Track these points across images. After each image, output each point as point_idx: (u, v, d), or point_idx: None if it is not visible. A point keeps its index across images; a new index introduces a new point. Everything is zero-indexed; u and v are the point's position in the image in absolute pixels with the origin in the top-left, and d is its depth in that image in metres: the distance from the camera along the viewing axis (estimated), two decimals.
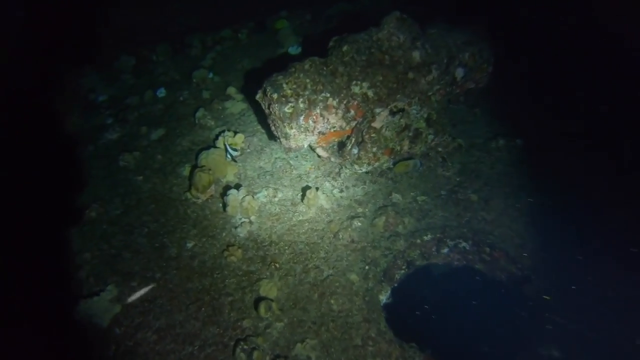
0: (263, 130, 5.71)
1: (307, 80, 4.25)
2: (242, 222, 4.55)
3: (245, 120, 6.00)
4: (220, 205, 4.82)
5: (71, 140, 6.05)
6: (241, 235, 4.48)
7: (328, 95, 4.25)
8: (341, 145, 4.76)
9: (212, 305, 3.91)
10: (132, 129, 6.09)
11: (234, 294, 3.99)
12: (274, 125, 4.43)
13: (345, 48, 4.39)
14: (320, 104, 4.24)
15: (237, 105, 6.24)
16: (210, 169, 4.83)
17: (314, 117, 4.24)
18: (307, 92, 4.21)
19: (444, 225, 4.40)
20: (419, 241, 4.27)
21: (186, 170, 5.27)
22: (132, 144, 5.84)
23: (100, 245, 4.62)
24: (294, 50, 7.32)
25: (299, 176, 5.08)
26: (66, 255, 4.67)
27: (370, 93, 4.33)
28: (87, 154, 5.82)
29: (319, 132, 4.38)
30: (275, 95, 4.20)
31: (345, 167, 4.83)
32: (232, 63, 7.19)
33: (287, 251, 4.31)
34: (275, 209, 4.71)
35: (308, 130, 4.29)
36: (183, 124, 6.09)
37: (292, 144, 4.40)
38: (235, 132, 5.52)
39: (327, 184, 4.95)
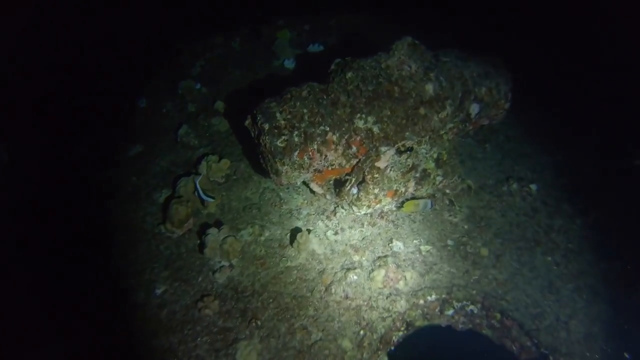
0: (252, 154, 5.13)
1: (304, 110, 3.70)
2: (221, 266, 3.98)
3: (233, 141, 5.43)
4: (198, 242, 4.24)
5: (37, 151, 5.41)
6: (219, 281, 3.91)
7: (327, 128, 3.71)
8: (339, 183, 4.22)
9: None
10: (107, 143, 5.47)
11: (205, 357, 3.41)
12: (263, 158, 3.88)
13: (349, 75, 3.85)
14: (318, 138, 3.69)
15: (224, 122, 5.67)
16: (188, 200, 4.25)
17: (310, 153, 3.69)
18: (303, 125, 3.67)
19: (450, 283, 3.88)
20: (421, 302, 3.74)
21: (162, 197, 4.68)
22: (105, 160, 5.22)
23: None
24: (289, 63, 6.76)
25: (289, 212, 4.53)
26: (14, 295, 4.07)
27: (375, 129, 3.80)
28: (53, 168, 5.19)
29: (315, 170, 3.84)
30: (266, 126, 3.65)
31: (342, 207, 4.28)
32: (222, 74, 6.60)
33: (271, 305, 3.75)
34: (260, 251, 4.15)
35: (302, 167, 3.74)
36: (164, 140, 5.50)
37: (284, 181, 3.84)
38: (221, 157, 4.94)
39: (320, 223, 4.40)
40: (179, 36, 6.95)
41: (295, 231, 4.25)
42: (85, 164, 5.20)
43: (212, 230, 3.97)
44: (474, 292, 3.81)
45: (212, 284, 3.92)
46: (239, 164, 5.02)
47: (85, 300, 3.82)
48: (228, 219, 4.48)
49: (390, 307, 3.72)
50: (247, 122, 4.02)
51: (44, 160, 5.30)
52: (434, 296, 3.79)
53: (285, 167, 3.69)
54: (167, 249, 4.22)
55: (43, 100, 5.89)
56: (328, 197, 4.34)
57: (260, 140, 3.76)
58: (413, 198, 4.37)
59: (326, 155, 3.77)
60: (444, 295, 3.80)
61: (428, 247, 4.16)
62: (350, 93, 3.84)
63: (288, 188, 4.79)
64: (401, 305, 3.73)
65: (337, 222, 4.41)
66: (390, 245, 4.18)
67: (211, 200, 4.33)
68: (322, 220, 4.44)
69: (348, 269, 3.96)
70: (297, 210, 4.55)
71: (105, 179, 4.90)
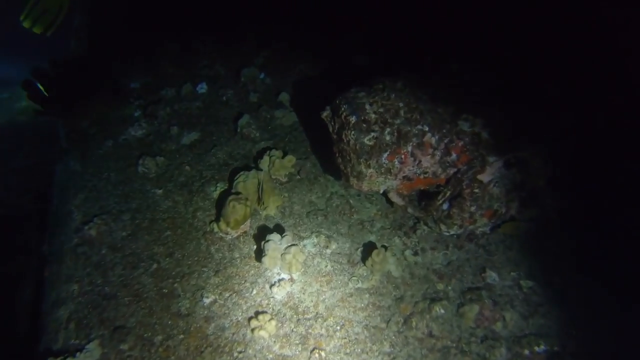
0: (319, 153, 4.53)
1: (400, 104, 3.05)
2: (280, 280, 3.36)
3: (297, 137, 4.85)
4: (254, 247, 3.65)
5: (87, 132, 5.00)
6: (277, 297, 3.30)
7: (426, 128, 3.04)
8: (425, 195, 3.54)
9: None
10: (161, 128, 5.02)
11: None
12: (343, 157, 3.25)
13: (455, 67, 3.15)
14: (414, 139, 3.03)
15: (289, 116, 5.09)
16: (247, 199, 3.66)
17: (403, 156, 3.04)
18: (398, 121, 3.02)
19: (562, 331, 3.09)
20: (527, 352, 2.98)
21: (217, 192, 4.13)
22: (157, 146, 4.75)
23: (94, 277, 3.54)
24: (363, 60, 6.13)
25: (361, 223, 3.88)
26: (48, 281, 3.60)
27: (484, 134, 3.09)
28: (103, 151, 4.75)
29: (404, 177, 3.17)
30: (352, 119, 3.02)
31: (426, 224, 3.59)
32: (289, 64, 6.05)
33: (338, 334, 3.10)
34: (326, 266, 3.51)
35: (391, 172, 3.09)
36: (222, 130, 4.98)
37: (365, 187, 3.21)
38: (285, 153, 4.35)
39: (397, 240, 3.73)
40: (244, 21, 6.46)
41: (369, 247, 3.59)
42: (132, 145, 4.73)
43: (274, 236, 3.36)
44: (598, 347, 3.02)
45: (268, 299, 3.31)
46: (304, 162, 4.42)
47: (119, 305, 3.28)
48: (289, 224, 3.88)
49: (487, 355, 2.99)
50: (325, 114, 3.41)
51: None
52: (542, 347, 3.02)
53: (371, 170, 3.05)
54: (218, 252, 3.65)
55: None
56: (410, 210, 3.66)
57: (343, 136, 3.14)
58: (512, 219, 3.63)
59: (420, 161, 3.10)
60: (555, 348, 3.03)
61: (530, 283, 3.40)
62: (457, 88, 3.15)
63: (359, 195, 4.15)
64: (501, 353, 2.98)
65: (417, 240, 3.72)
66: (482, 275, 3.44)
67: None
68: (399, 236, 3.77)
69: (432, 300, 3.25)
70: (369, 221, 3.90)
71: (155, 164, 4.39)
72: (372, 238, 3.77)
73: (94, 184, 4.37)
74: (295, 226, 3.86)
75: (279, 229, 3.74)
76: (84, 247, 3.71)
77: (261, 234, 3.73)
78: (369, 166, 3.06)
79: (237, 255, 3.63)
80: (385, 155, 3.04)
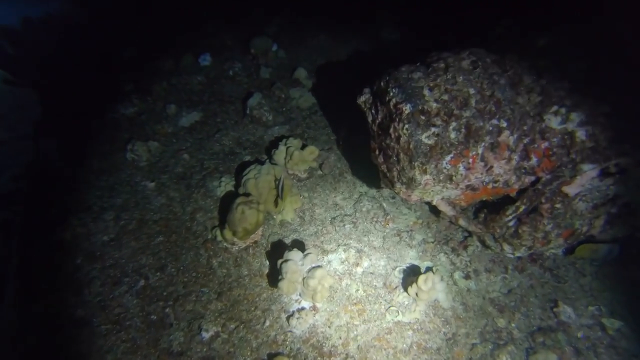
0: (345, 144, 3.77)
1: (471, 91, 2.25)
2: (300, 309, 2.63)
3: (317, 122, 4.06)
4: (266, 262, 2.92)
5: (70, 108, 4.21)
6: (297, 332, 2.58)
7: (504, 124, 2.25)
8: (484, 205, 2.77)
9: None
10: (156, 106, 4.23)
11: None
12: (387, 156, 2.47)
13: (542, 42, 2.35)
14: (487, 138, 2.25)
15: (307, 96, 4.30)
16: (259, 202, 2.90)
17: (471, 159, 2.26)
18: (467, 113, 2.23)
19: None
20: None
21: (222, 188, 3.37)
22: (150, 128, 3.97)
23: (65, 295, 2.79)
24: (390, 34, 5.29)
25: (397, 233, 3.13)
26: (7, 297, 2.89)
27: (580, 134, 2.31)
28: (87, 131, 3.97)
29: (468, 186, 2.40)
30: (407, 108, 2.24)
31: (482, 242, 2.84)
32: (305, 35, 5.21)
33: None
34: (357, 291, 2.78)
35: (452, 180, 2.32)
36: (228, 110, 4.20)
37: (414, 197, 2.45)
38: (304, 142, 3.58)
39: (443, 257, 2.99)
40: None
41: (409, 266, 2.86)
42: (121, 125, 3.95)
43: (294, 254, 2.62)
44: None
45: (285, 334, 2.59)
46: (327, 154, 3.64)
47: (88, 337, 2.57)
48: (310, 232, 3.13)
49: None
50: (362, 98, 2.63)
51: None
52: None
53: (427, 177, 2.28)
54: (222, 267, 2.92)
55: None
56: (462, 223, 2.90)
57: (391, 129, 2.35)
58: (589, 240, 2.88)
59: (492, 166, 2.33)
60: None
61: (617, 323, 2.67)
62: (544, 71, 2.34)
63: (394, 197, 3.40)
64: None
65: (468, 259, 2.98)
66: (555, 309, 2.71)
67: None
68: (445, 253, 3.03)
69: (495, 344, 2.53)
70: (408, 232, 3.15)
71: (147, 151, 3.62)
72: (412, 254, 3.04)
73: (70, 171, 3.61)
74: (317, 235, 3.11)
75: (299, 244, 2.99)
76: (55, 255, 2.97)
77: (276, 246, 3.00)
78: (424, 172, 2.30)
79: (246, 272, 2.90)
80: (448, 158, 2.28)
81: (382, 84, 2.48)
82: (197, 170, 3.61)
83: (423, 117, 2.26)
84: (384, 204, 3.35)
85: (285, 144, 3.47)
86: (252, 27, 5.22)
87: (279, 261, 2.64)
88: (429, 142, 2.25)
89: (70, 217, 3.21)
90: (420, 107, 2.26)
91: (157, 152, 3.75)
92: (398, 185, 2.48)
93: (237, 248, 3.01)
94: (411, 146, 2.28)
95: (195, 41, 4.97)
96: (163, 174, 3.58)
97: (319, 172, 3.55)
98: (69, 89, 4.30)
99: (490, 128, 2.28)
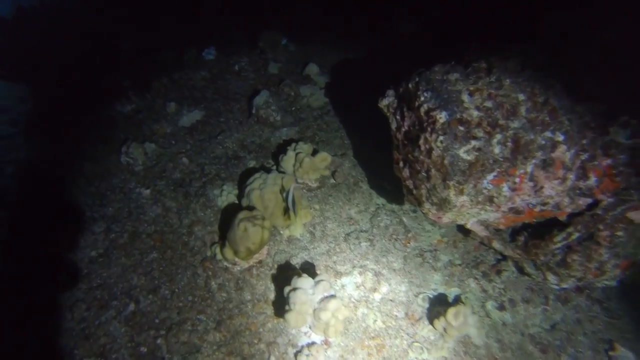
0: (360, 147, 3.39)
1: (520, 97, 1.85)
2: (311, 344, 2.28)
3: (330, 123, 3.69)
4: (271, 286, 2.56)
5: (63, 104, 3.87)
6: None
7: (560, 137, 1.86)
8: (524, 228, 2.39)
9: None
10: (155, 103, 3.88)
11: None
12: (414, 171, 2.10)
13: (608, 36, 1.96)
14: (539, 153, 1.85)
15: (318, 95, 3.92)
16: (264, 218, 2.53)
17: (518, 179, 1.87)
18: (515, 124, 1.84)
19: None
20: None
21: (223, 198, 3.01)
22: (148, 128, 3.63)
23: (44, 319, 2.47)
24: (407, 27, 4.88)
25: (420, 254, 2.76)
26: None
27: None
28: (80, 130, 3.64)
29: (511, 209, 2.01)
30: (441, 116, 1.85)
31: (521, 269, 2.46)
32: (317, 28, 4.82)
33: None
34: (375, 322, 2.42)
35: (492, 202, 1.94)
36: (232, 109, 3.84)
37: (445, 219, 2.07)
38: (316, 148, 3.21)
39: (472, 283, 2.61)
40: None
41: (435, 294, 2.49)
42: (117, 124, 3.61)
43: (304, 282, 2.26)
44: None
45: None
46: (340, 161, 3.27)
47: None
48: (321, 251, 2.76)
49: None
50: (385, 101, 2.26)
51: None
52: None
53: (463, 198, 1.90)
54: (222, 290, 2.57)
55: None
56: (496, 245, 2.52)
57: (421, 140, 1.96)
58: None
59: (542, 187, 1.93)
60: None
61: None
62: (609, 73, 1.95)
63: (415, 211, 3.02)
64: None
65: (502, 287, 2.61)
66: (610, 354, 2.32)
67: None
68: (475, 278, 2.65)
69: None
70: (431, 252, 2.78)
71: (143, 153, 3.28)
72: (437, 278, 2.67)
73: (60, 174, 3.28)
74: (329, 255, 2.75)
75: (309, 266, 2.63)
76: (38, 272, 2.64)
77: (283, 267, 2.64)
78: (461, 192, 1.92)
79: (249, 297, 2.54)
80: (490, 177, 1.89)
81: (410, 85, 2.10)
82: (197, 176, 3.26)
83: (462, 128, 1.88)
84: (404, 219, 2.98)
85: (295, 150, 3.11)
86: (260, 18, 4.84)
87: (287, 289, 2.28)
88: (468, 158, 1.87)
89: (57, 229, 2.87)
90: (458, 116, 1.88)
91: (154, 155, 3.41)
92: (427, 205, 2.11)
93: (239, 268, 2.65)
94: (446, 162, 1.90)
95: (200, 34, 4.60)
96: (160, 180, 3.23)
97: (332, 180, 3.19)
98: (62, 83, 3.95)
99: (543, 142, 1.89)
